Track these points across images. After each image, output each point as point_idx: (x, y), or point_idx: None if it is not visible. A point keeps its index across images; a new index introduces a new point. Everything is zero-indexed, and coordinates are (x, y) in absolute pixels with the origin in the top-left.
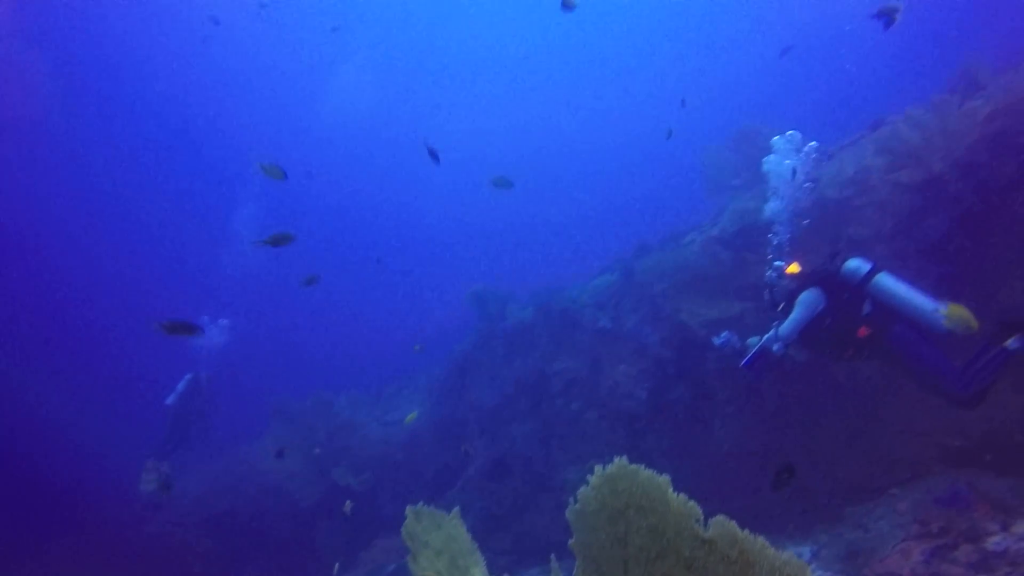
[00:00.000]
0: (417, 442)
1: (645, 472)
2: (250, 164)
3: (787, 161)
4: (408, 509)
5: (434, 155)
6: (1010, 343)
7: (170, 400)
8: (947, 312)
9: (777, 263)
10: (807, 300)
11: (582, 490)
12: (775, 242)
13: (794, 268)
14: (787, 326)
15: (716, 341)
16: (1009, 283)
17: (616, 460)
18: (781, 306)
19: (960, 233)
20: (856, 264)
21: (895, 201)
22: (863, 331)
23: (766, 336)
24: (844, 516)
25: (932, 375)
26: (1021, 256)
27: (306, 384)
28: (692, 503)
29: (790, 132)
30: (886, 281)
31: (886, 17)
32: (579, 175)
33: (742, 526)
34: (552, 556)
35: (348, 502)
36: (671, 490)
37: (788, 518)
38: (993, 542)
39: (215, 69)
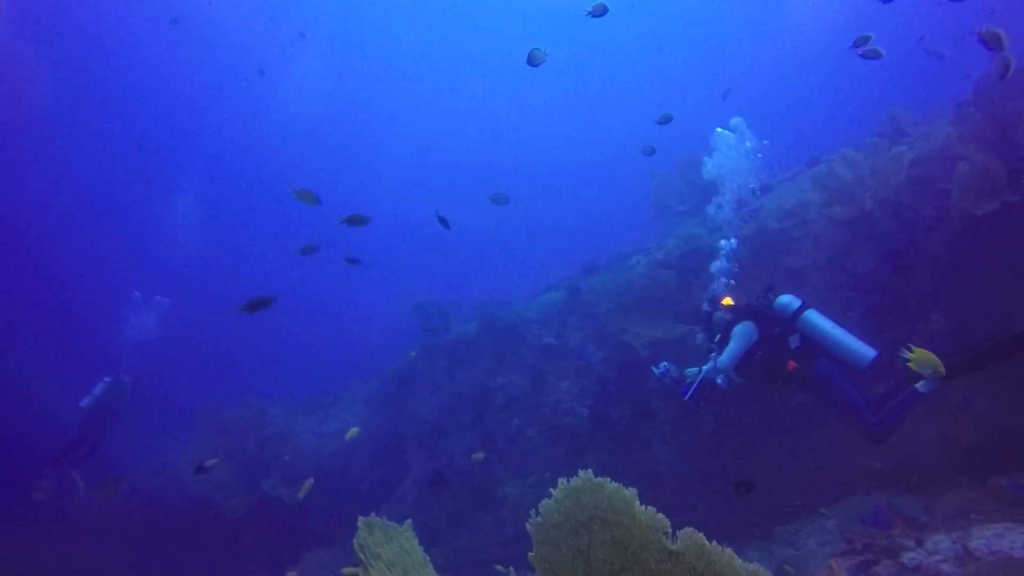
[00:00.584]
0: (352, 454)
1: (611, 485)
2: (198, 156)
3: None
4: (360, 520)
5: (444, 223)
6: (920, 386)
7: (85, 403)
8: (914, 357)
9: (713, 296)
10: (743, 332)
11: (544, 503)
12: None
13: (727, 301)
14: (726, 357)
15: (655, 371)
16: (927, 316)
17: (581, 473)
18: (717, 337)
19: (886, 267)
20: (787, 300)
21: (829, 234)
22: (791, 364)
23: (706, 368)
24: (775, 534)
25: (849, 410)
26: (938, 291)
27: (237, 391)
28: (660, 515)
29: (735, 119)
30: (814, 318)
31: (867, 50)
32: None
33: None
34: (511, 568)
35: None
36: (637, 503)
37: (722, 536)
38: (909, 557)
39: (170, 60)
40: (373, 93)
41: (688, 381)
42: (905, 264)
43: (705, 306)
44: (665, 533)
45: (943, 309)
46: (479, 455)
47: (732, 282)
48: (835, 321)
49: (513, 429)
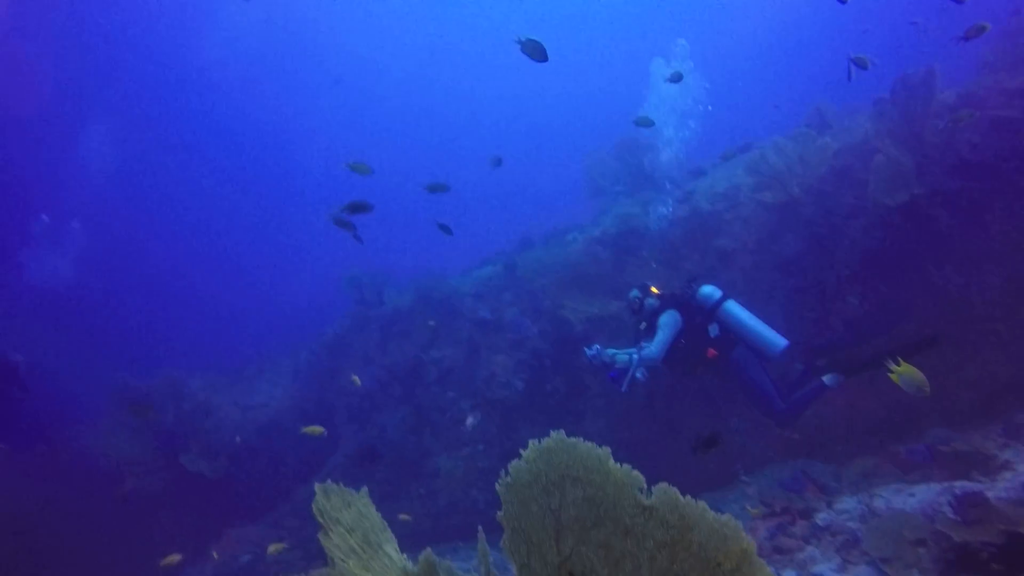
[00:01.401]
0: (278, 427)
1: (584, 444)
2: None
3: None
4: (316, 486)
5: (446, 229)
6: (826, 379)
7: None
8: (900, 371)
9: (642, 284)
10: (670, 322)
11: (514, 463)
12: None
13: (653, 290)
14: (655, 348)
15: (587, 353)
16: (844, 298)
17: (553, 433)
18: (644, 325)
19: (809, 251)
20: (709, 290)
21: (758, 218)
22: (711, 352)
23: (631, 360)
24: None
25: (759, 396)
26: (856, 274)
27: (155, 362)
28: (635, 472)
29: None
30: (733, 308)
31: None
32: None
33: None
34: (479, 527)
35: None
36: (612, 461)
37: None
38: (820, 517)
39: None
40: (309, 45)
41: (618, 365)
42: (826, 249)
43: (634, 293)
44: (640, 489)
45: (859, 292)
46: (473, 420)
47: (655, 265)
48: (759, 304)
49: (447, 402)
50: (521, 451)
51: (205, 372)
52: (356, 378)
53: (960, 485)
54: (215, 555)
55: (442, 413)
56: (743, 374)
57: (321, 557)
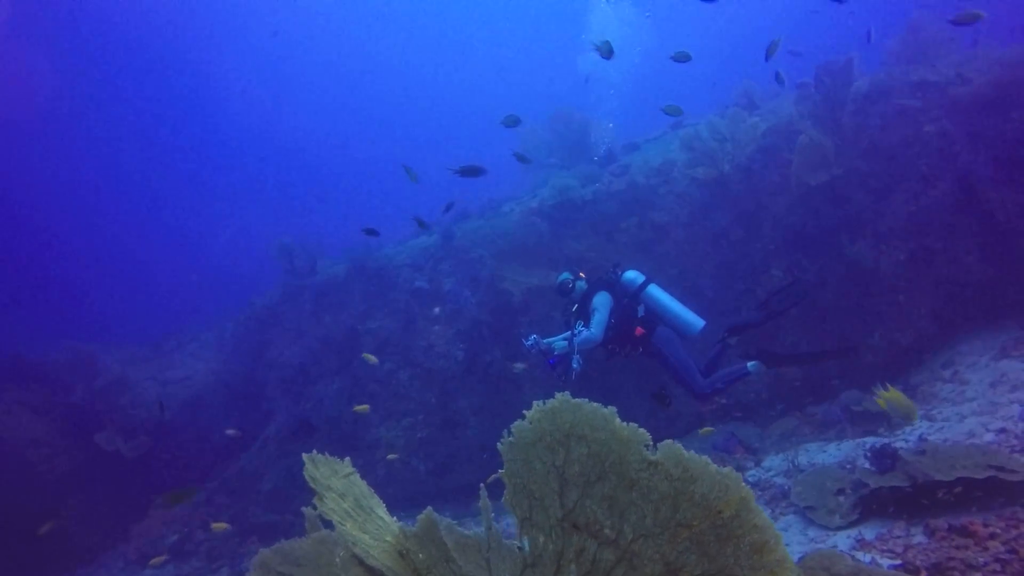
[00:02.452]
0: (201, 403)
1: (589, 405)
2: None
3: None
4: (304, 456)
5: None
6: (750, 366)
7: None
8: (888, 396)
9: (569, 269)
10: (603, 302)
11: (517, 423)
12: None
13: (581, 275)
14: (595, 328)
15: (525, 343)
16: (768, 270)
17: (558, 395)
18: (576, 306)
19: (737, 225)
20: (633, 275)
21: (691, 193)
22: (639, 330)
23: (577, 340)
24: None
25: (680, 372)
26: (780, 248)
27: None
28: (641, 430)
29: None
30: (655, 291)
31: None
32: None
33: None
34: (481, 485)
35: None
36: (618, 419)
37: None
38: (750, 474)
39: None
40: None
41: (557, 352)
42: (753, 224)
43: (564, 275)
44: (646, 446)
45: (782, 264)
46: (520, 365)
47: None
48: (692, 274)
49: (384, 373)
50: (524, 412)
51: (120, 346)
52: (371, 356)
53: (871, 440)
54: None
55: (380, 384)
56: (667, 352)
57: (256, 532)
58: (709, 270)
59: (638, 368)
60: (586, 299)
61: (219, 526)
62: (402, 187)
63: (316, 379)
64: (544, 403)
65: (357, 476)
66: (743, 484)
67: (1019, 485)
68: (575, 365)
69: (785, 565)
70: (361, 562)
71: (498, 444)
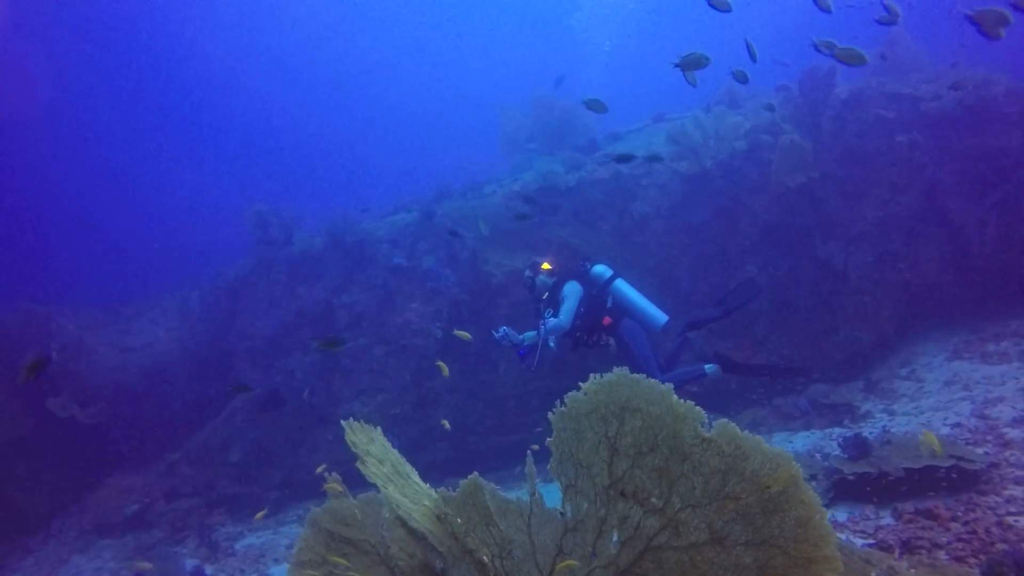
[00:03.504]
0: (164, 371)
1: (647, 380)
2: None
3: None
4: (342, 423)
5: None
6: (707, 368)
7: None
8: (923, 440)
9: (533, 262)
10: (574, 290)
11: (571, 394)
12: None
13: (547, 265)
14: (564, 316)
15: (495, 335)
16: (744, 266)
17: (616, 369)
18: (545, 295)
19: (716, 220)
20: (602, 269)
21: (673, 186)
22: (607, 320)
23: (546, 328)
24: None
25: (641, 364)
26: (755, 244)
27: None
28: (698, 408)
29: None
30: (622, 286)
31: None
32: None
33: (516, 458)
34: (528, 451)
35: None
36: (674, 396)
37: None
38: None
39: None
40: None
41: (526, 343)
42: (731, 219)
43: (527, 272)
44: (701, 423)
45: (757, 260)
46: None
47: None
48: (669, 265)
49: (359, 348)
50: (580, 384)
51: (76, 310)
52: (443, 366)
53: (837, 431)
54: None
55: (354, 359)
56: (630, 344)
57: (223, 503)
58: (686, 262)
59: (602, 360)
60: (556, 289)
61: (261, 515)
62: (381, 163)
63: (288, 351)
64: (601, 376)
65: (388, 443)
66: (794, 463)
67: (975, 473)
68: (551, 344)
69: (828, 539)
70: (404, 523)
71: (549, 413)
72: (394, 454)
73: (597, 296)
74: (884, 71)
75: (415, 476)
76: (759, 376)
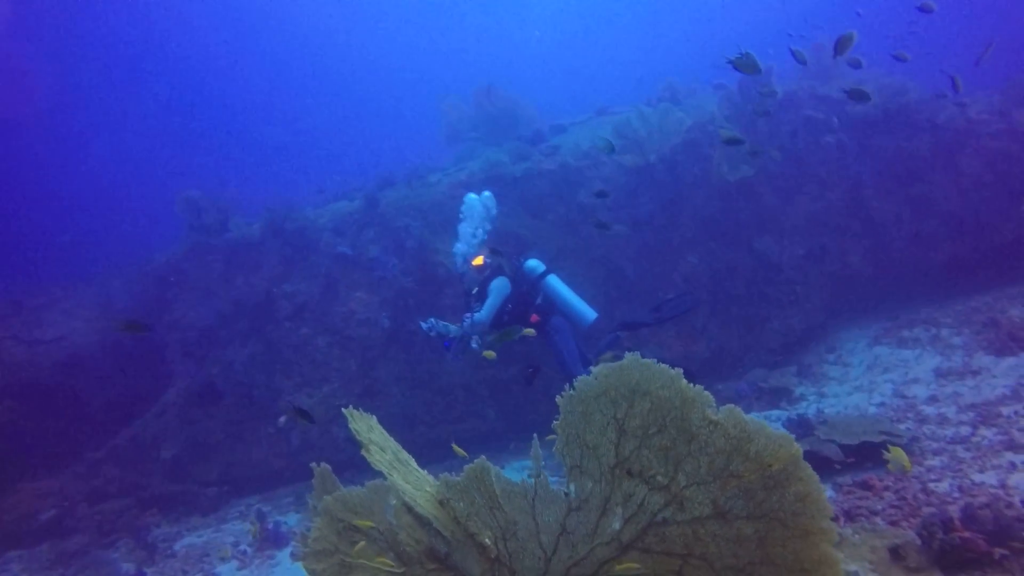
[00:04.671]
0: (82, 365)
1: (658, 365)
2: None
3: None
4: (344, 411)
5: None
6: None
7: None
8: (890, 456)
9: (466, 255)
10: (499, 288)
11: (581, 378)
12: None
13: (479, 260)
14: (485, 313)
15: (423, 326)
16: (685, 257)
17: (628, 355)
18: (475, 290)
19: (660, 213)
20: (534, 264)
21: (618, 178)
22: (535, 317)
23: (466, 323)
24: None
25: (566, 361)
26: (696, 236)
27: None
28: (707, 392)
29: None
30: (553, 282)
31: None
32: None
33: (471, 447)
34: (534, 435)
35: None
36: (683, 380)
37: (508, 439)
38: None
39: None
40: None
41: (451, 335)
42: (673, 212)
43: (460, 264)
44: (709, 406)
45: (698, 253)
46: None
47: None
48: (615, 257)
49: (301, 339)
50: (591, 367)
51: None
52: (491, 354)
53: (776, 413)
54: None
55: (295, 350)
56: (556, 339)
57: (156, 503)
58: (631, 253)
59: (528, 352)
60: (484, 284)
61: (224, 553)
62: (321, 148)
63: (225, 343)
64: (613, 360)
65: (385, 431)
66: (795, 443)
67: (902, 447)
68: (474, 345)
69: (825, 512)
70: (410, 510)
71: (557, 397)
72: (392, 442)
73: (527, 293)
74: (812, 75)
75: (413, 463)
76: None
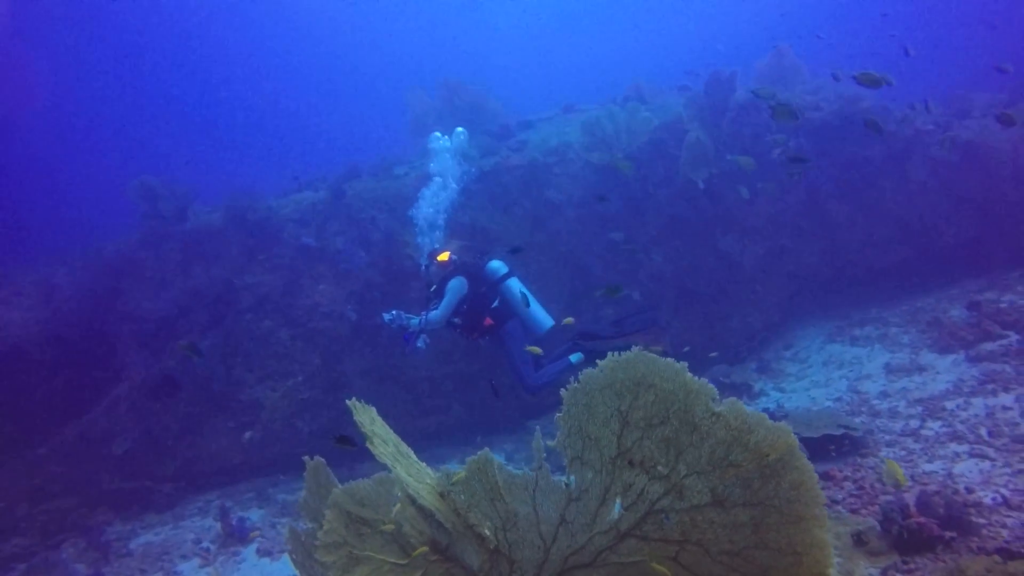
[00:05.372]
0: (20, 357)
1: (663, 359)
2: None
3: None
4: (348, 402)
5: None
6: (572, 358)
7: None
8: (885, 469)
9: (432, 250)
10: (456, 288)
11: (587, 371)
12: None
13: (444, 256)
14: (439, 312)
15: (385, 318)
16: (651, 256)
17: (634, 348)
18: (433, 287)
19: (626, 210)
20: (497, 265)
21: (585, 176)
22: (488, 321)
23: (420, 320)
24: (526, 426)
25: (516, 365)
26: (661, 234)
27: None
28: (710, 385)
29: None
30: (514, 285)
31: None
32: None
33: (436, 440)
34: (537, 428)
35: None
36: (688, 373)
37: (474, 432)
38: None
39: None
40: None
41: (411, 329)
42: (639, 210)
43: (424, 259)
44: (712, 399)
45: (663, 251)
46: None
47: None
48: (581, 253)
49: (263, 331)
50: (598, 361)
51: None
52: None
53: None
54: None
55: (257, 342)
56: (509, 344)
57: (107, 501)
58: (597, 250)
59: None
60: (443, 282)
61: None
62: (286, 138)
63: (183, 334)
64: (619, 354)
65: (385, 423)
66: (792, 434)
67: (857, 439)
68: (420, 344)
69: (818, 500)
70: (414, 501)
71: (561, 390)
72: (393, 434)
73: (485, 295)
74: (771, 79)
75: (413, 455)
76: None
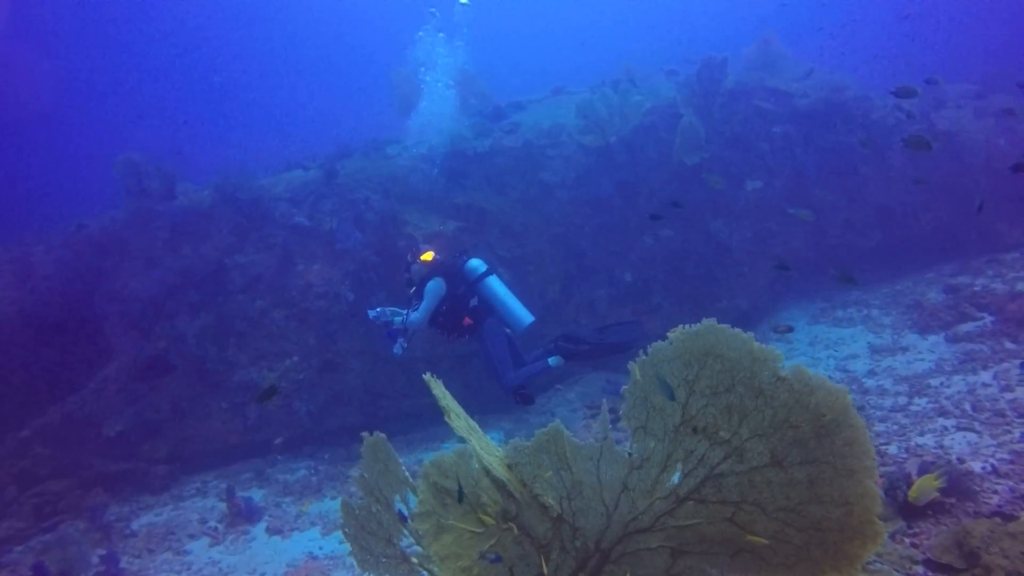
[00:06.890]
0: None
1: (731, 329)
2: None
3: None
4: (425, 377)
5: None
6: (551, 361)
7: None
8: (917, 485)
9: (415, 248)
10: (434, 289)
11: (656, 343)
12: None
13: (428, 256)
14: (418, 315)
15: (370, 314)
16: (642, 239)
17: (704, 320)
18: (413, 289)
19: (617, 193)
20: (476, 264)
21: (579, 158)
22: (467, 320)
23: (401, 321)
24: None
25: (496, 364)
26: (653, 219)
27: None
28: (777, 351)
29: None
30: (493, 283)
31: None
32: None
33: (428, 420)
34: (603, 400)
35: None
36: (755, 342)
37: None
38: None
39: None
40: None
41: (394, 325)
42: (631, 193)
43: (408, 255)
44: (779, 364)
45: (654, 234)
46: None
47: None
48: (572, 235)
49: (256, 311)
50: (668, 333)
51: None
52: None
53: None
54: None
55: (250, 323)
56: (488, 342)
57: (101, 482)
58: (589, 232)
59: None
60: (423, 283)
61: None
62: (276, 117)
63: (172, 315)
64: (688, 327)
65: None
66: (848, 396)
67: None
68: (397, 351)
69: (870, 453)
70: (488, 473)
71: (629, 364)
72: (461, 408)
73: (463, 294)
74: (759, 66)
75: (479, 429)
76: (597, 358)
